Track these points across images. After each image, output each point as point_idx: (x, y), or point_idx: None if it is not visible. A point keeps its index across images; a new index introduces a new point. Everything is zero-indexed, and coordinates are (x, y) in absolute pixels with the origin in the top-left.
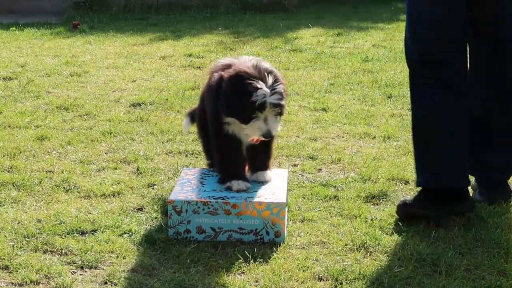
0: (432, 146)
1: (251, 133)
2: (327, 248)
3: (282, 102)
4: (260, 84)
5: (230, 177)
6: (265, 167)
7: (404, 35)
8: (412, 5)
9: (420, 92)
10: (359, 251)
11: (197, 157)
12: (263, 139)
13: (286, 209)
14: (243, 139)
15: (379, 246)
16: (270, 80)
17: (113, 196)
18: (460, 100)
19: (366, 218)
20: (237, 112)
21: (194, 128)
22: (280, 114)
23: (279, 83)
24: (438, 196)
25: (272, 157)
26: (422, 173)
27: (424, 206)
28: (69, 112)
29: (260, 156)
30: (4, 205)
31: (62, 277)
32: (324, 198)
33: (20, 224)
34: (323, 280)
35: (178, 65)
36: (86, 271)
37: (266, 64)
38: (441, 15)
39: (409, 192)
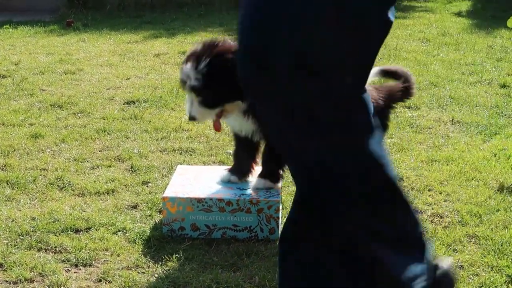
0: None
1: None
2: None
3: (194, 83)
4: (185, 64)
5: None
6: (261, 174)
7: None
8: None
9: None
10: None
11: (191, 155)
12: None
13: (281, 206)
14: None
15: None
16: (203, 57)
17: (107, 194)
18: None
19: None
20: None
21: (190, 126)
22: (201, 98)
23: (210, 60)
24: None
25: (275, 165)
26: None
27: None
28: (63, 110)
29: (263, 162)
30: None
31: (56, 275)
32: None
33: (14, 222)
34: None
35: (172, 63)
36: (80, 269)
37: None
38: None
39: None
